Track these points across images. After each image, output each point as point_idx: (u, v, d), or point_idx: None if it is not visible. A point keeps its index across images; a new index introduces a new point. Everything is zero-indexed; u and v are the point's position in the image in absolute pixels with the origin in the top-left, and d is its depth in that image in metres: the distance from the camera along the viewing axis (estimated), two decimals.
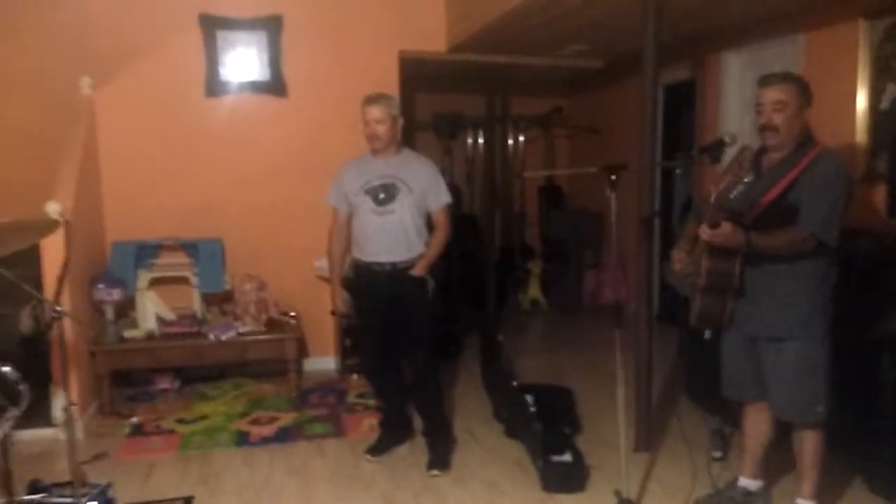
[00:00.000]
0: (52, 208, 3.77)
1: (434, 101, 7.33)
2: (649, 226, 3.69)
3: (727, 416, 3.42)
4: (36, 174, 4.38)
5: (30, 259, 3.68)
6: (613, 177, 2.81)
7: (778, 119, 2.53)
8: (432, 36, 5.22)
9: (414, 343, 3.47)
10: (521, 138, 7.68)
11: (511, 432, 3.80)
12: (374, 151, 3.38)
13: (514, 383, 3.91)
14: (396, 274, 3.36)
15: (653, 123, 3.57)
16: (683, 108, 5.77)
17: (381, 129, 3.31)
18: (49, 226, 3.16)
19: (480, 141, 7.62)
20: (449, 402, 4.28)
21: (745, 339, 2.71)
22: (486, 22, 4.43)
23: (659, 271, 4.10)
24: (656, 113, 4.10)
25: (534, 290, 6.87)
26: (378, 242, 3.37)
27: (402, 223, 3.34)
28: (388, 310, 3.41)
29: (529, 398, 3.73)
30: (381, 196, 3.33)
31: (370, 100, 3.34)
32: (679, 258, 2.76)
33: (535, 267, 6.95)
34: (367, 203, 3.35)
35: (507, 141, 7.66)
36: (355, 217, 3.42)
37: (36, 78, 4.76)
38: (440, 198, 3.44)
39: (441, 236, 3.43)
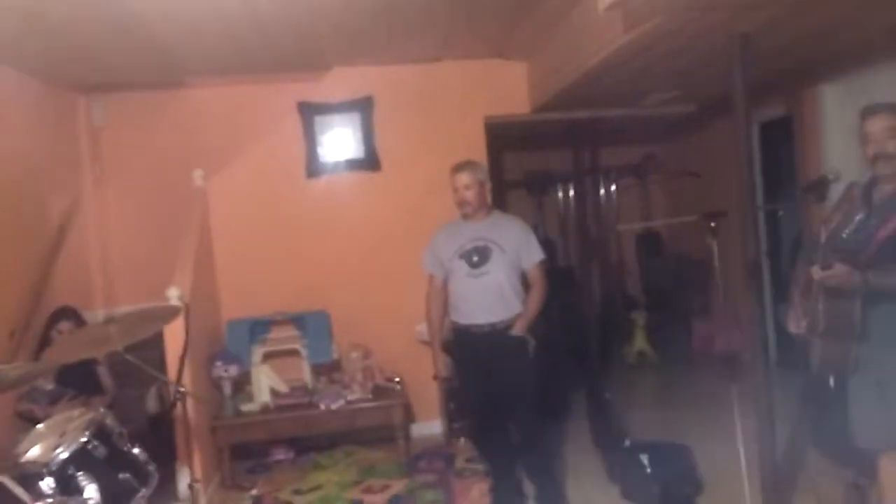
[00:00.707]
0: (173, 293, 4.04)
1: (523, 159, 7.43)
2: (756, 271, 3.55)
3: (862, 468, 3.16)
4: (157, 261, 4.74)
5: (154, 341, 3.93)
6: (713, 224, 2.75)
7: (892, 146, 2.42)
8: (516, 99, 5.34)
9: (518, 404, 3.43)
10: (614, 188, 7.61)
11: (627, 494, 3.66)
12: (465, 216, 3.49)
13: (627, 442, 3.78)
14: (495, 334, 3.39)
15: (749, 165, 3.47)
16: (782, 145, 5.57)
17: (470, 195, 3.43)
18: (172, 313, 3.38)
19: (572, 194, 7.60)
20: (560, 463, 4.18)
21: (875, 384, 2.53)
22: (568, 81, 4.48)
23: (773, 316, 3.91)
24: (752, 153, 3.99)
25: (640, 342, 6.67)
26: (475, 304, 3.42)
27: (497, 284, 3.39)
28: (490, 371, 3.41)
29: (644, 457, 3.59)
30: (475, 259, 3.40)
31: (458, 167, 3.48)
32: (794, 315, 2.65)
33: (639, 317, 6.75)
34: (461, 267, 3.42)
35: (598, 192, 7.61)
36: (451, 281, 3.49)
37: (155, 173, 5.20)
38: (533, 255, 3.48)
39: (537, 293, 3.46)
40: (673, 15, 3.10)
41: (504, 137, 6.10)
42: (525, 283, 3.50)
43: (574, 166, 7.50)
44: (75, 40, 3.97)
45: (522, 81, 5.36)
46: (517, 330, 3.38)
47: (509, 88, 5.33)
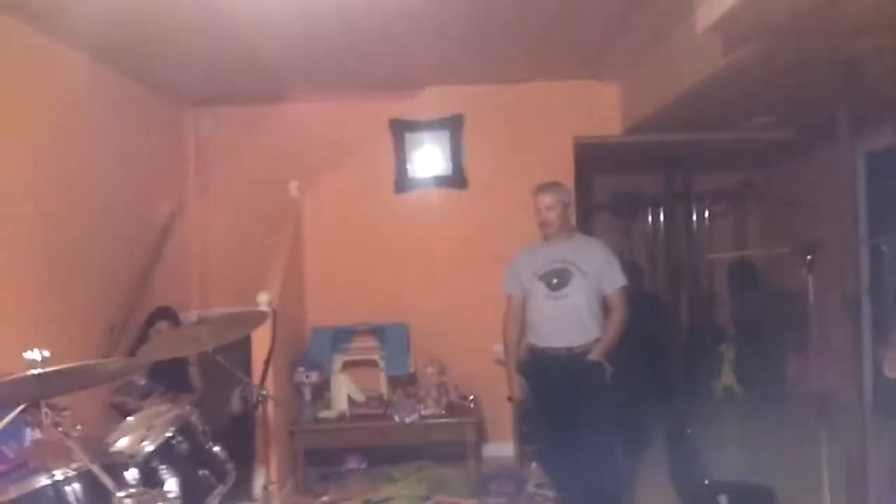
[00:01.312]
0: (262, 298, 4.20)
1: (611, 181, 7.31)
2: (855, 308, 3.36)
3: None
4: (250, 267, 4.94)
5: (241, 343, 4.09)
6: (809, 257, 2.63)
7: None
8: (607, 120, 5.28)
9: (591, 432, 3.35)
10: (707, 214, 7.37)
11: None
12: (546, 237, 3.47)
13: (706, 481, 3.63)
14: (572, 359, 3.34)
15: (852, 195, 3.32)
16: (891, 177, 5.24)
17: (552, 216, 3.41)
18: (260, 318, 3.51)
19: (662, 219, 7.41)
20: (634, 498, 4.07)
21: None
22: (663, 103, 4.40)
23: (871, 357, 3.68)
24: (855, 183, 3.79)
25: (727, 376, 6.41)
26: (552, 327, 3.39)
27: (575, 307, 3.35)
28: (564, 396, 3.35)
29: (723, 498, 3.44)
30: (555, 281, 3.37)
31: (541, 188, 3.48)
32: (893, 359, 2.50)
33: (729, 350, 6.49)
34: (540, 288, 3.40)
35: (690, 218, 7.38)
36: (529, 302, 3.47)
37: (254, 183, 5.44)
38: (615, 280, 3.43)
39: (618, 319, 3.40)
40: (773, 39, 3.00)
41: (593, 159, 6.03)
42: (606, 308, 3.45)
43: (665, 190, 7.35)
44: (184, 55, 4.23)
45: (614, 103, 5.30)
46: (595, 355, 3.33)
47: (600, 109, 5.28)
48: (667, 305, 7.14)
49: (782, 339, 6.37)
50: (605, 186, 7.31)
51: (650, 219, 7.47)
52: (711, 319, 7.28)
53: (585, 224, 7.05)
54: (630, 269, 7.21)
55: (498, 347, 4.58)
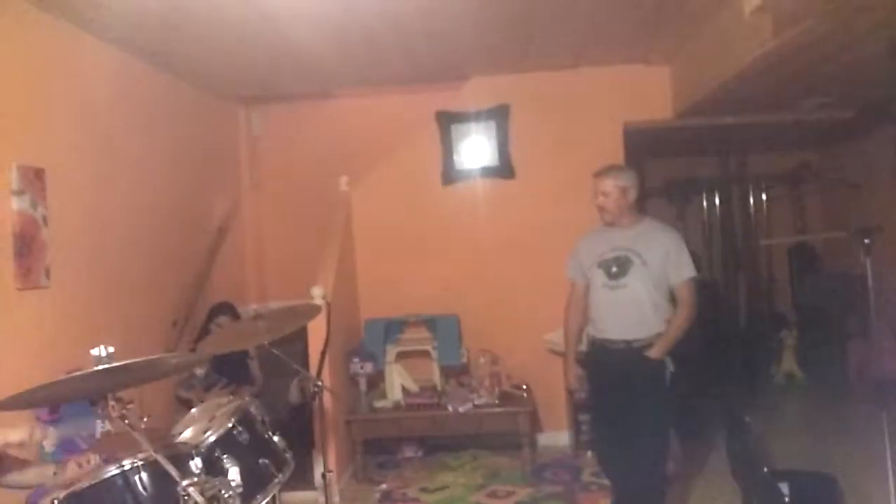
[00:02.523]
0: (316, 292, 4.29)
1: (665, 167, 7.18)
2: None
3: None
4: (304, 261, 5.06)
5: (298, 336, 4.20)
6: (867, 240, 2.55)
7: None
8: (657, 104, 5.19)
9: (642, 433, 3.17)
10: (763, 198, 7.18)
11: None
12: (606, 223, 3.31)
13: (765, 469, 3.56)
14: (630, 353, 3.16)
15: None
16: None
17: (608, 202, 3.24)
18: (314, 311, 3.59)
19: (717, 203, 7.25)
20: (692, 487, 4.03)
21: None
22: (716, 84, 4.30)
23: None
24: None
25: (788, 363, 6.25)
26: (610, 318, 3.22)
27: (635, 298, 3.16)
28: (621, 391, 3.20)
29: (784, 486, 3.37)
30: (614, 269, 3.20)
31: (598, 173, 3.31)
32: None
33: (789, 337, 6.33)
34: (599, 276, 3.24)
35: (747, 201, 7.20)
36: (590, 290, 3.31)
37: (305, 179, 5.56)
38: (682, 271, 3.20)
39: (684, 314, 3.18)
40: (824, 17, 2.91)
41: (645, 144, 5.94)
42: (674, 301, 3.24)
43: (720, 174, 7.19)
44: (235, 55, 4.35)
45: (664, 86, 5.20)
46: (655, 353, 3.12)
47: (650, 94, 5.19)
48: (725, 292, 7.00)
49: (844, 325, 6.18)
50: (658, 172, 7.18)
51: (705, 204, 7.31)
52: (771, 305, 7.11)
53: (639, 210, 6.96)
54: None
55: (549, 337, 4.60)
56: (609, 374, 3.25)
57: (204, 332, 4.41)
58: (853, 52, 3.54)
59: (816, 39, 3.21)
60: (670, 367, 3.17)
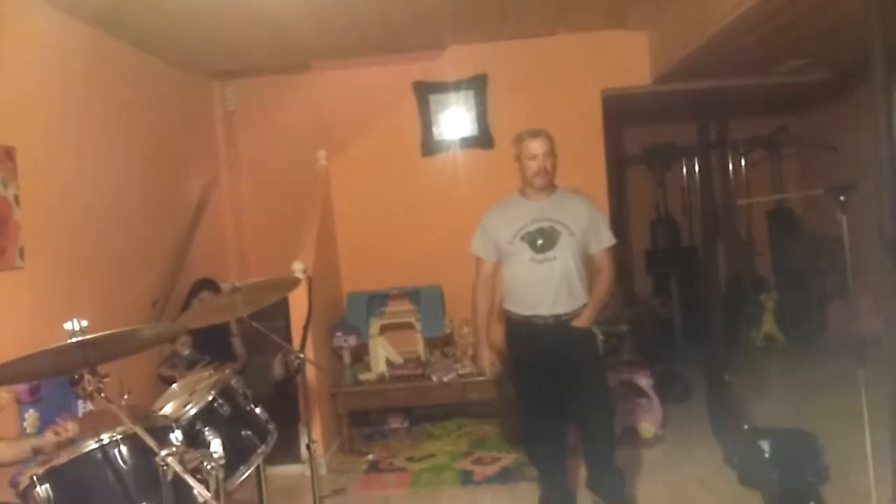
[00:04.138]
0: (297, 267, 4.27)
1: (643, 134, 7.18)
2: (892, 250, 3.27)
3: None
4: (284, 237, 5.02)
5: (280, 311, 4.19)
6: (843, 198, 2.57)
7: None
8: (635, 70, 5.17)
9: (591, 407, 3.12)
10: (743, 163, 7.21)
11: (745, 480, 3.51)
12: (537, 190, 3.12)
13: (746, 426, 3.63)
14: (560, 328, 3.05)
15: (889, 135, 3.19)
16: None
17: (550, 163, 3.07)
18: (292, 284, 3.58)
19: (696, 169, 7.27)
20: (673, 448, 4.08)
21: None
22: (694, 48, 4.28)
23: None
24: (892, 122, 3.66)
25: (768, 325, 6.33)
26: (539, 293, 3.06)
27: (565, 271, 3.04)
28: (552, 369, 3.09)
29: (764, 444, 3.43)
30: (540, 242, 3.04)
31: (534, 133, 3.11)
32: None
33: (769, 299, 6.40)
34: (523, 251, 3.06)
35: (726, 167, 7.23)
36: (509, 266, 3.13)
37: (282, 154, 5.50)
38: (602, 239, 3.14)
39: (606, 282, 3.13)
40: None
41: (623, 111, 5.93)
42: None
43: (699, 140, 7.19)
44: (208, 30, 4.27)
45: (642, 52, 5.18)
46: (583, 322, 3.06)
47: (628, 59, 5.17)
48: (704, 257, 7.04)
49: (823, 286, 6.27)
50: (637, 139, 7.19)
51: (684, 170, 7.33)
52: (751, 269, 7.18)
53: (618, 179, 6.98)
54: (666, 222, 7.17)
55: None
56: (539, 354, 3.10)
57: (186, 307, 4.38)
58: (830, 12, 3.53)
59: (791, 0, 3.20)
60: (600, 336, 3.13)
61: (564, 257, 3.05)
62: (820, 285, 6.29)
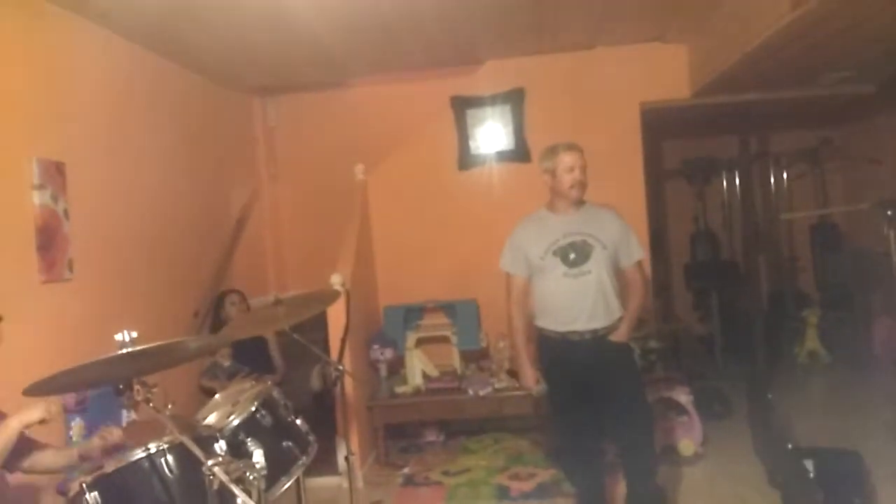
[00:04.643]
0: (335, 280, 4.32)
1: (683, 147, 7.11)
2: None
3: None
4: (323, 250, 5.09)
5: (319, 323, 4.24)
6: (890, 212, 2.52)
7: None
8: (674, 83, 5.14)
9: (630, 423, 3.07)
10: (785, 176, 7.08)
11: (788, 500, 3.43)
12: (569, 203, 3.11)
13: (789, 445, 3.55)
14: (597, 343, 3.03)
15: None
16: None
17: (584, 178, 3.05)
18: (333, 296, 3.62)
19: (737, 183, 7.17)
20: (716, 467, 4.01)
21: None
22: (733, 61, 4.24)
23: None
24: None
25: (811, 342, 6.18)
26: (576, 309, 3.03)
27: (600, 284, 3.02)
28: (590, 385, 3.05)
29: (809, 463, 3.35)
30: (572, 256, 3.02)
31: (570, 146, 3.10)
32: None
33: (812, 315, 6.25)
34: (556, 266, 3.03)
35: (768, 180, 7.11)
36: (541, 282, 3.11)
37: (321, 169, 5.58)
38: (633, 253, 3.14)
39: (639, 297, 3.12)
40: None
41: (662, 124, 5.89)
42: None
43: (740, 153, 7.10)
44: (249, 46, 4.37)
45: (681, 65, 5.15)
46: (621, 336, 3.05)
47: (667, 73, 5.14)
48: (746, 272, 6.93)
49: (868, 303, 6.11)
50: (677, 152, 7.12)
51: (725, 183, 7.23)
52: (793, 284, 7.03)
53: (657, 192, 6.91)
54: (706, 236, 7.07)
55: None
56: (576, 370, 3.06)
57: (216, 318, 4.44)
58: (872, 24, 3.47)
59: (834, 12, 3.16)
60: (636, 350, 3.14)
61: (599, 271, 3.03)
62: (865, 301, 6.13)
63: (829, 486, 3.14)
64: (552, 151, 3.13)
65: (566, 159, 3.06)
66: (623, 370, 3.10)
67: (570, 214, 3.12)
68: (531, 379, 3.18)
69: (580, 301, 3.03)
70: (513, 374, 3.67)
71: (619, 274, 3.13)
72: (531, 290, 3.18)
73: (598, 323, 3.05)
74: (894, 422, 4.32)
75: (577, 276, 3.03)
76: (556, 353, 3.12)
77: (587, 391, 3.07)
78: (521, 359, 3.20)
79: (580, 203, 3.14)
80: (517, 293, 3.19)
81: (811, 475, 3.26)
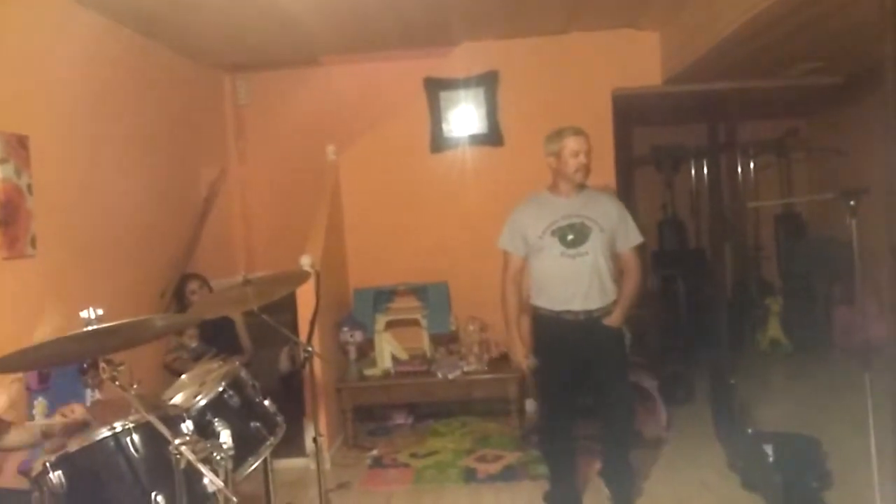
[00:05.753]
0: (305, 261, 4.28)
1: (652, 135, 7.17)
2: None
3: None
4: (292, 230, 5.04)
5: (288, 305, 4.20)
6: (853, 202, 2.57)
7: None
8: (646, 70, 5.17)
9: (617, 404, 3.18)
10: (752, 166, 7.19)
11: (748, 484, 3.52)
12: (571, 186, 3.18)
13: (750, 430, 3.63)
14: (590, 324, 3.11)
15: None
16: None
17: (588, 161, 3.13)
18: (303, 278, 3.60)
19: (705, 171, 7.26)
20: (677, 451, 4.09)
21: None
22: (705, 50, 4.29)
23: None
24: None
25: (773, 329, 6.32)
26: (571, 288, 3.11)
27: (596, 266, 3.10)
28: (579, 366, 3.15)
29: (768, 448, 3.43)
30: (570, 237, 3.10)
31: (577, 131, 3.17)
32: None
33: (775, 303, 6.39)
34: (553, 245, 3.11)
35: (735, 169, 7.21)
36: (538, 261, 3.18)
37: (292, 149, 5.52)
38: (630, 237, 3.21)
39: (634, 281, 3.19)
40: None
41: (633, 111, 5.92)
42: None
43: (708, 141, 7.18)
44: (220, 21, 4.28)
45: (654, 52, 5.18)
46: (614, 321, 3.12)
47: (639, 60, 5.17)
48: (712, 260, 7.04)
49: (829, 291, 6.25)
50: (646, 139, 7.18)
51: (693, 172, 7.32)
52: (758, 273, 7.17)
53: (626, 179, 6.97)
54: (673, 224, 7.16)
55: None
56: (567, 350, 3.14)
57: (180, 300, 4.37)
58: (842, 16, 3.53)
59: (805, 3, 3.20)
60: (628, 335, 3.19)
61: (595, 253, 3.10)
62: (826, 290, 6.27)
63: (787, 469, 3.23)
64: (558, 135, 3.19)
65: (572, 144, 3.13)
66: (613, 354, 3.19)
67: (571, 197, 3.19)
68: (520, 354, 3.26)
69: (576, 281, 3.10)
70: (508, 352, 3.69)
71: (615, 258, 3.20)
72: (528, 269, 3.25)
73: (593, 304, 3.12)
74: (852, 408, 4.43)
75: (573, 257, 3.10)
76: (549, 331, 3.19)
77: (575, 372, 3.16)
78: (513, 334, 3.27)
79: (581, 186, 3.21)
80: (513, 271, 3.27)
81: (770, 459, 3.35)
